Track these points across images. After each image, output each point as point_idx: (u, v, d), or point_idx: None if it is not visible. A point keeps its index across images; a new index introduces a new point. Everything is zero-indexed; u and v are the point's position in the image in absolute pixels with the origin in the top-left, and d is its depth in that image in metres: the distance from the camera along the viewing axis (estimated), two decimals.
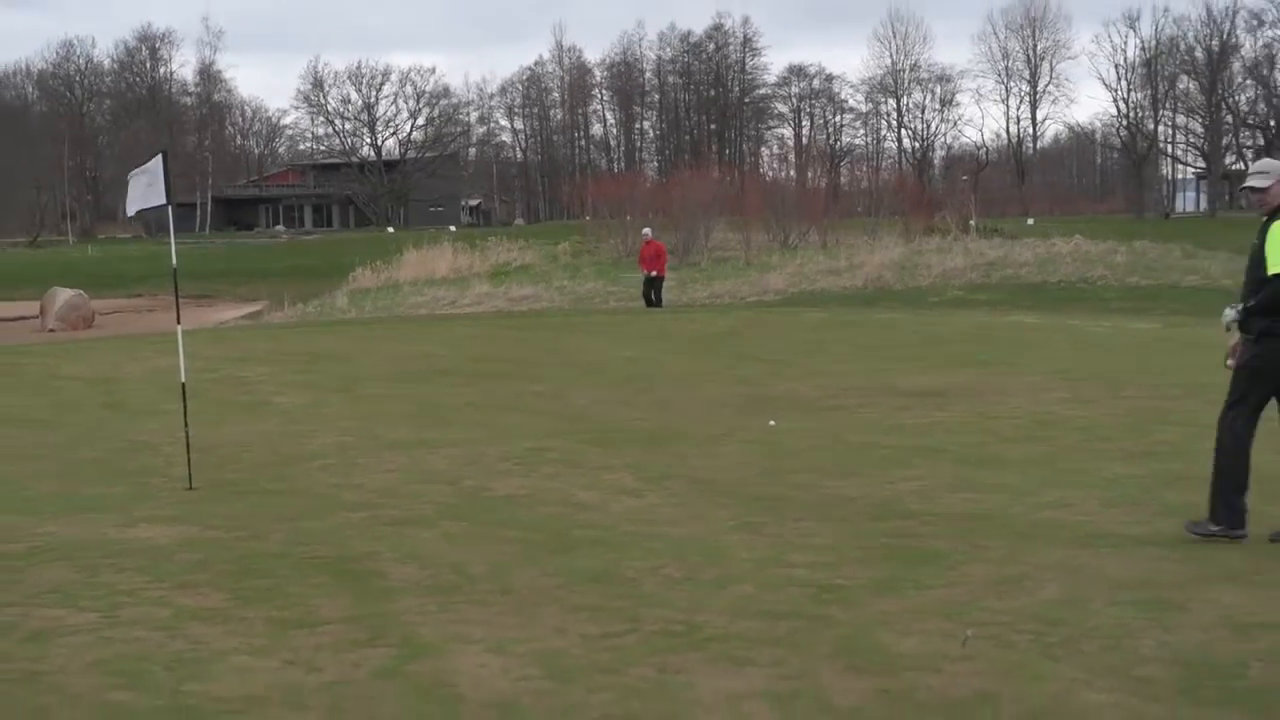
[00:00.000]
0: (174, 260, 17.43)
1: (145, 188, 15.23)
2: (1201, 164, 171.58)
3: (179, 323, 17.67)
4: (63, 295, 53.31)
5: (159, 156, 15.28)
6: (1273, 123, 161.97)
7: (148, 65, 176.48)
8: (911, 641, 9.12)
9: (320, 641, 9.49)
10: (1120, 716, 7.76)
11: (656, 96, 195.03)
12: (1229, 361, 11.99)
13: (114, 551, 12.27)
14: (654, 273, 48.50)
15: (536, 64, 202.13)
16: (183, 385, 16.62)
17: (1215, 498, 11.87)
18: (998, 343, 30.54)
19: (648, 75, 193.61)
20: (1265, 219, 11.80)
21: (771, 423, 18.21)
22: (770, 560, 11.32)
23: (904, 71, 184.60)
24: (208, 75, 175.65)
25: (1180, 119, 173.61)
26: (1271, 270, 11.49)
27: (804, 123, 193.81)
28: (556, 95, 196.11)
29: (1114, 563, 11.00)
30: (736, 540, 12.07)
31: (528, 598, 10.35)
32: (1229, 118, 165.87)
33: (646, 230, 53.77)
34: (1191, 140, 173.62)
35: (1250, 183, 12.00)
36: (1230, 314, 11.92)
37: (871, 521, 12.69)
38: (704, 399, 21.28)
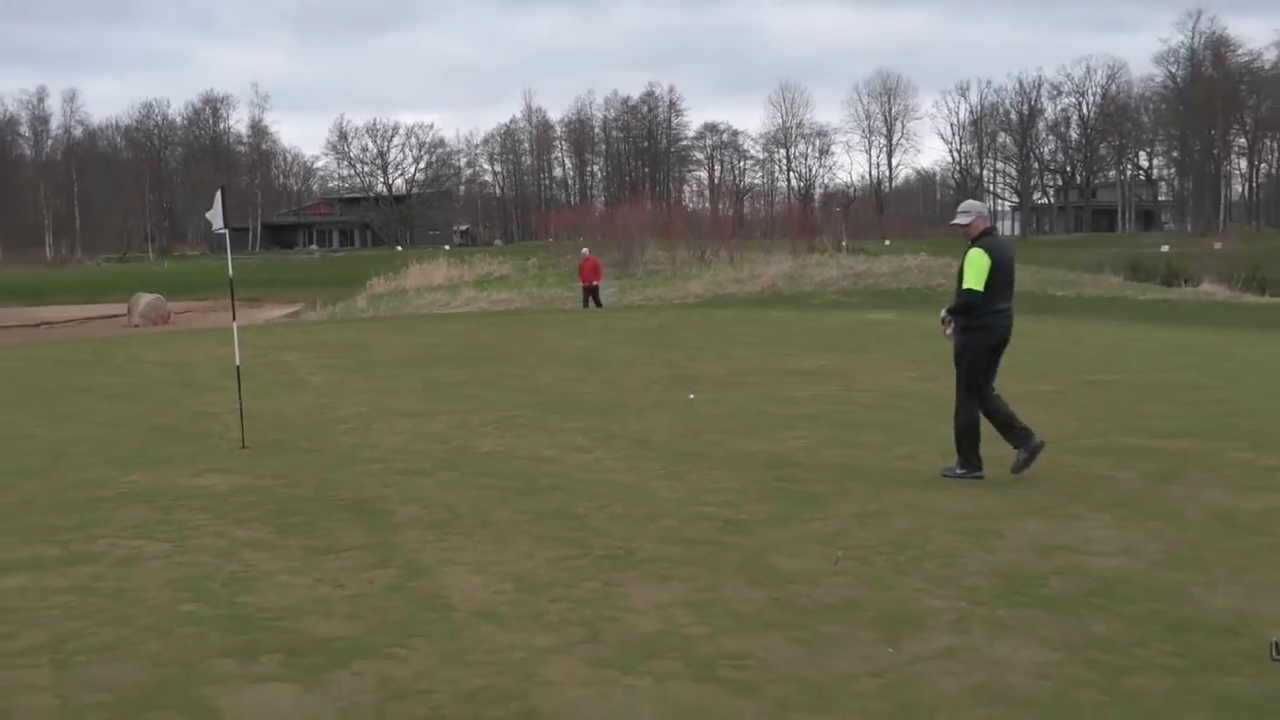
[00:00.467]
0: (230, 271, 17.32)
1: (215, 215, 15.18)
2: (1015, 199, 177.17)
3: (234, 320, 17.66)
4: (145, 298, 53.01)
5: (218, 190, 15.21)
6: (1068, 168, 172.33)
7: (210, 121, 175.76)
8: (796, 562, 9.20)
9: (343, 564, 9.48)
10: (953, 616, 7.83)
11: (603, 146, 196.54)
12: (947, 332, 12.71)
13: (183, 495, 12.20)
14: (594, 283, 48.34)
15: (511, 121, 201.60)
16: (237, 368, 16.58)
17: (961, 450, 12.42)
18: (862, 334, 30.59)
19: (596, 130, 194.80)
20: (969, 245, 12.40)
21: (691, 396, 18.21)
22: (689, 500, 11.36)
23: (791, 128, 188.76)
24: (257, 129, 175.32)
25: (1000, 165, 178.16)
26: (965, 285, 12.26)
27: (715, 167, 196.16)
28: (526, 145, 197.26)
29: (948, 500, 11.18)
30: (663, 485, 12.10)
31: (503, 530, 10.34)
32: (1035, 164, 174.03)
33: (585, 250, 54.71)
34: (1007, 180, 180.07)
35: (956, 220, 12.68)
36: (942, 313, 12.73)
37: (767, 470, 12.75)
38: (640, 378, 21.25)
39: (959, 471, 12.33)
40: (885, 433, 14.93)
